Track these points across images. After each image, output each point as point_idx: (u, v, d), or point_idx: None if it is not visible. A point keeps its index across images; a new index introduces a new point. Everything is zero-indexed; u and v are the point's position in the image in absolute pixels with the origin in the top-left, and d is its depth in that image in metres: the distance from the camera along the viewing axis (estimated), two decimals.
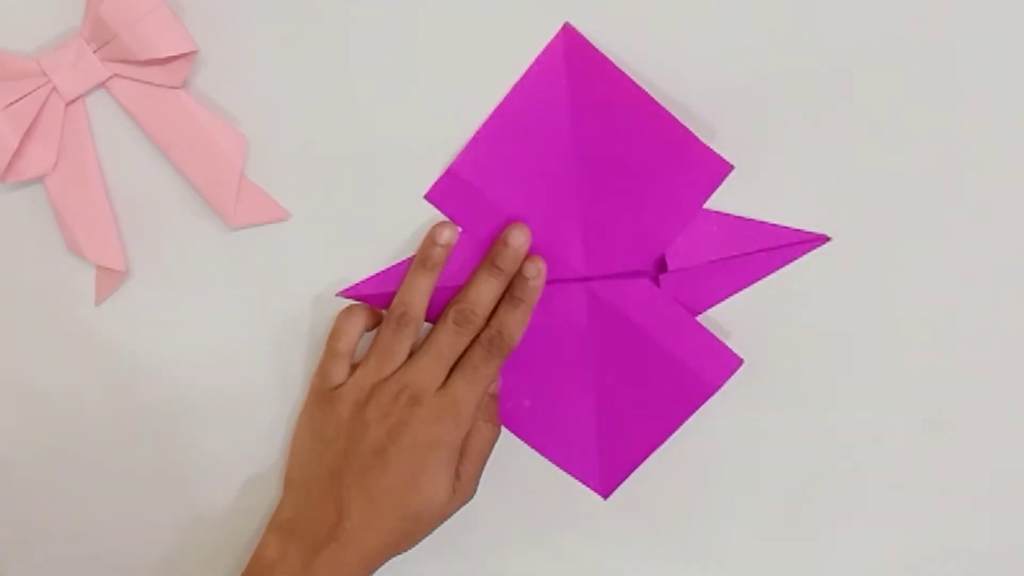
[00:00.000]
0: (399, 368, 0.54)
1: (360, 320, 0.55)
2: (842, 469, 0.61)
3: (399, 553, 0.54)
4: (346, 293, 0.56)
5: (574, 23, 0.52)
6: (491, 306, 0.54)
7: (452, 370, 0.54)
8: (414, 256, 0.55)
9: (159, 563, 0.61)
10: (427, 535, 0.54)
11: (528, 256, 0.55)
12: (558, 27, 0.52)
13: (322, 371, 0.55)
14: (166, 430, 0.59)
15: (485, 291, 0.54)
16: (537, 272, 0.54)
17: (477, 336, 0.54)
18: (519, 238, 0.54)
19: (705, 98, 0.53)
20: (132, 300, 0.56)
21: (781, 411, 0.60)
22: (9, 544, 0.61)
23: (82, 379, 0.58)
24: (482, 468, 0.56)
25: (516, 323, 0.54)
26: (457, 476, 0.54)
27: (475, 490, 0.56)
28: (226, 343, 0.57)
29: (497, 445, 0.59)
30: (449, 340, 0.54)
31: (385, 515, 0.52)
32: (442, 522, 0.55)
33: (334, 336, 0.55)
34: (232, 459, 0.59)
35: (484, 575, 0.63)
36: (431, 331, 0.54)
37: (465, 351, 0.54)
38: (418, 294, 0.54)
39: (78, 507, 0.60)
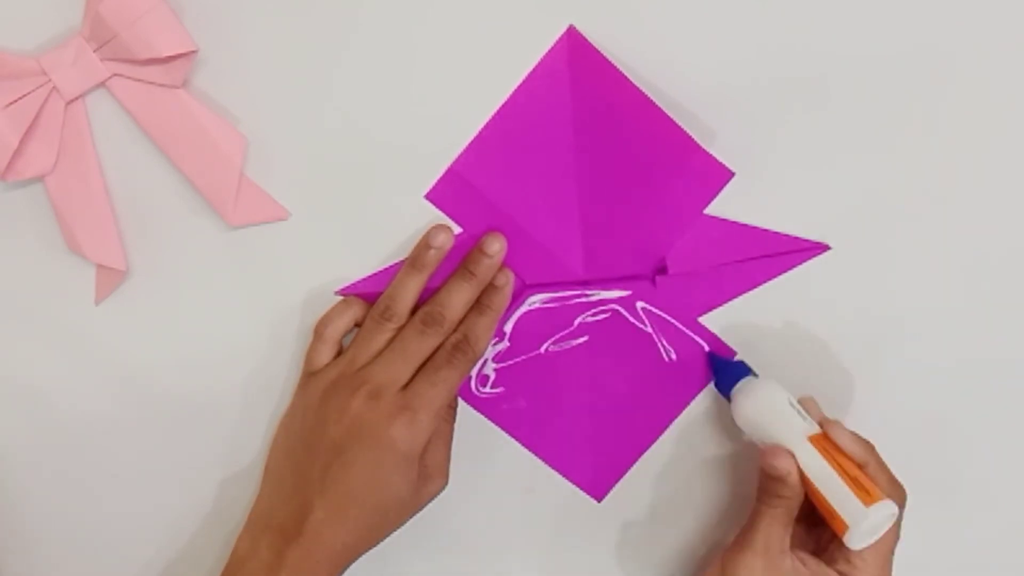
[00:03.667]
0: (368, 363, 0.54)
1: (351, 311, 0.55)
2: None
3: (372, 546, 0.54)
4: (344, 291, 0.56)
5: (578, 26, 0.51)
6: (462, 311, 0.54)
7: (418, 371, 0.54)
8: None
9: (163, 560, 0.61)
10: (398, 527, 0.54)
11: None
12: (563, 29, 0.52)
13: (307, 354, 0.56)
14: (166, 428, 0.59)
15: (456, 295, 0.54)
16: (506, 280, 0.55)
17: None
18: (495, 246, 0.54)
19: (707, 102, 0.53)
20: (132, 300, 0.56)
21: None
22: (9, 544, 0.61)
23: (82, 378, 0.57)
24: (448, 454, 0.56)
25: (482, 329, 0.54)
26: (423, 468, 0.54)
27: (447, 478, 0.56)
28: (226, 342, 0.57)
29: (491, 447, 0.59)
30: (415, 340, 0.54)
31: (349, 511, 0.52)
32: (414, 514, 0.55)
33: (322, 321, 0.55)
34: (233, 456, 0.59)
35: None
36: (401, 331, 0.54)
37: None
38: (405, 293, 0.54)
39: (79, 506, 0.60)
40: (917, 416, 0.60)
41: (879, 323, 0.58)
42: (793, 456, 0.52)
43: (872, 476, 0.52)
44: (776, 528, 0.52)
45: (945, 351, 0.59)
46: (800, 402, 0.55)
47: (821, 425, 0.53)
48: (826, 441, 0.53)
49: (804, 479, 0.52)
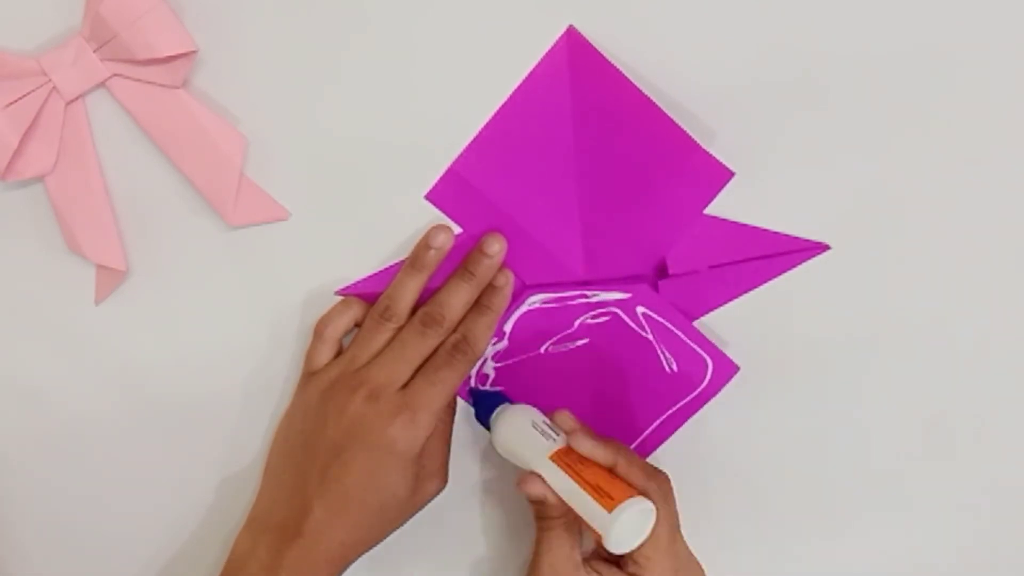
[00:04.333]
0: (368, 363, 0.54)
1: (351, 311, 0.55)
2: (839, 472, 0.61)
3: (372, 546, 0.54)
4: (344, 291, 0.56)
5: (578, 26, 0.51)
6: (461, 311, 0.54)
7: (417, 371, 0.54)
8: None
9: (163, 560, 0.61)
10: (397, 527, 0.55)
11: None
12: (563, 29, 0.52)
13: (307, 354, 0.56)
14: (166, 428, 0.59)
15: (456, 295, 0.54)
16: (506, 281, 0.55)
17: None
18: (494, 246, 0.54)
19: (707, 102, 0.53)
20: (132, 300, 0.56)
21: (778, 416, 0.60)
22: (9, 543, 0.61)
23: (82, 378, 0.57)
24: (447, 454, 0.56)
25: (482, 329, 0.54)
26: (422, 468, 0.54)
27: (446, 478, 0.56)
28: (226, 342, 0.57)
29: (491, 447, 0.59)
30: (415, 340, 0.54)
31: (348, 512, 0.52)
32: (413, 514, 0.55)
33: (322, 321, 0.55)
34: (233, 456, 0.59)
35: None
36: (400, 331, 0.54)
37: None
38: (405, 293, 0.54)
39: (78, 506, 0.60)
40: (917, 416, 0.60)
41: (879, 323, 0.58)
42: (541, 478, 0.52)
43: (624, 476, 0.52)
44: (558, 549, 0.53)
45: (945, 351, 0.59)
46: (552, 416, 0.54)
47: (568, 436, 0.53)
48: (569, 454, 0.52)
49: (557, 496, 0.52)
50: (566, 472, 0.52)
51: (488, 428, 0.57)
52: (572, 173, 0.54)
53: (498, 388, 0.58)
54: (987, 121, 0.54)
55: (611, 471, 0.52)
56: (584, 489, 0.51)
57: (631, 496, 0.50)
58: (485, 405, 0.57)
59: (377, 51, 0.52)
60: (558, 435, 0.54)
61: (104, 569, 0.61)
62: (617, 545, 0.50)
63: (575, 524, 0.53)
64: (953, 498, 0.62)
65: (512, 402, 0.57)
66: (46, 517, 0.60)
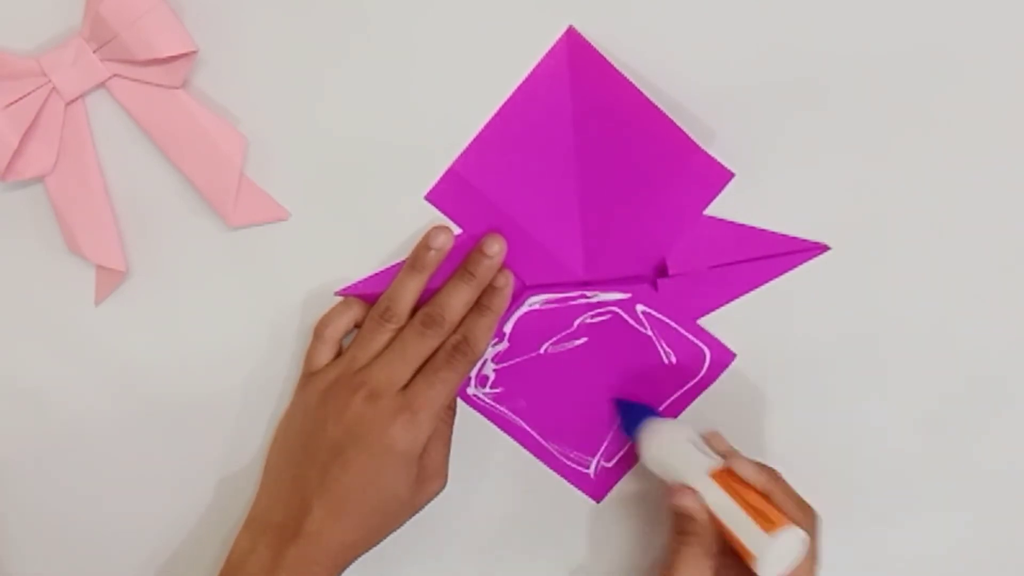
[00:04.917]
0: (368, 364, 0.54)
1: (351, 311, 0.55)
2: (838, 472, 0.61)
3: (372, 546, 0.54)
4: (344, 291, 0.56)
5: (578, 26, 0.51)
6: (461, 312, 0.54)
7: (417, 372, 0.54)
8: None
9: (162, 559, 0.61)
10: (397, 527, 0.55)
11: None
12: (563, 29, 0.52)
13: (307, 354, 0.56)
14: (166, 428, 0.59)
15: (456, 296, 0.54)
16: (506, 281, 0.55)
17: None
18: (494, 247, 0.54)
19: (707, 102, 0.53)
20: (132, 300, 0.56)
21: (778, 417, 0.60)
22: (8, 543, 0.61)
23: (82, 378, 0.58)
24: (447, 454, 0.56)
25: (482, 330, 0.54)
26: (422, 468, 0.54)
27: (446, 478, 0.56)
28: (226, 342, 0.57)
29: (491, 447, 0.59)
30: (415, 341, 0.54)
31: (348, 512, 0.52)
32: (413, 514, 0.55)
33: (322, 322, 0.55)
34: (233, 456, 0.59)
35: None
36: (400, 332, 0.54)
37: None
38: (405, 293, 0.54)
39: (78, 506, 0.60)
40: (917, 416, 0.60)
41: (879, 323, 0.58)
42: (697, 493, 0.53)
43: (778, 504, 0.52)
44: (695, 565, 0.52)
45: (945, 351, 0.59)
46: (706, 437, 0.55)
47: (725, 458, 0.54)
48: (729, 475, 0.53)
49: (711, 515, 0.52)
50: (726, 491, 0.52)
51: (631, 438, 0.57)
52: (572, 173, 0.54)
53: (646, 403, 0.59)
54: (987, 121, 0.54)
55: (767, 497, 0.52)
56: (744, 510, 0.51)
57: (788, 524, 0.51)
58: (632, 416, 0.57)
59: (377, 51, 0.52)
60: (714, 455, 0.54)
61: (104, 569, 0.61)
62: (770, 569, 0.51)
63: (714, 544, 0.53)
64: (953, 498, 0.62)
65: (662, 416, 0.57)
66: (46, 517, 0.60)
